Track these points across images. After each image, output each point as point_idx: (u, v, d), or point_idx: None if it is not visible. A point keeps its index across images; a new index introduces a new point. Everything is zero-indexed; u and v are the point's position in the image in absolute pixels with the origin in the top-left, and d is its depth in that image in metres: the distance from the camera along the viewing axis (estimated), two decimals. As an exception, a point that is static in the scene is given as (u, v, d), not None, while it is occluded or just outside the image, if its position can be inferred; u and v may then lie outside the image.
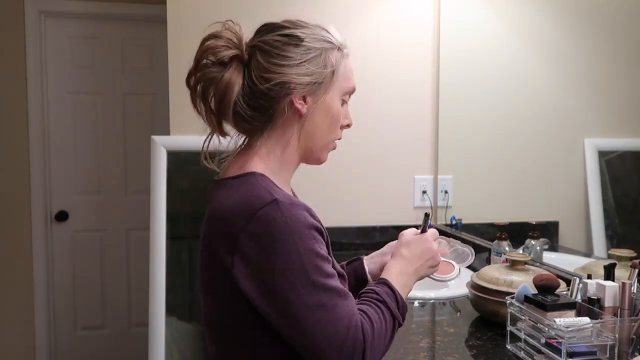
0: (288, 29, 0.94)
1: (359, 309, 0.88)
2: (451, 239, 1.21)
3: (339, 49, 0.97)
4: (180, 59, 2.19)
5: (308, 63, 0.92)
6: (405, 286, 0.97)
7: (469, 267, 2.02)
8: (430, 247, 1.02)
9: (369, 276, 1.10)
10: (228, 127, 0.98)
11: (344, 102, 1.00)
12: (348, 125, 1.02)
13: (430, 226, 1.07)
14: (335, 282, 0.86)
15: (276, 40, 0.92)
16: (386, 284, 0.95)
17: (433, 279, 1.08)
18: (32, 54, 2.94)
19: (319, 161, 1.01)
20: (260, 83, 0.91)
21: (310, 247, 0.84)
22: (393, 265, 1.00)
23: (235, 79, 0.91)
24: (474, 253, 1.16)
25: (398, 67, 2.31)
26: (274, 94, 0.91)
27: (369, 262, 1.12)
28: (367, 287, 0.95)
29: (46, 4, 2.96)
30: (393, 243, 1.10)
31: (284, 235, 0.82)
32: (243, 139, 1.00)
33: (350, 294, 0.88)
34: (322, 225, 0.90)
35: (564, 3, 1.70)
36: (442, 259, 1.10)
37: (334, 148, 1.02)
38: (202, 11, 2.18)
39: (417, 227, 1.07)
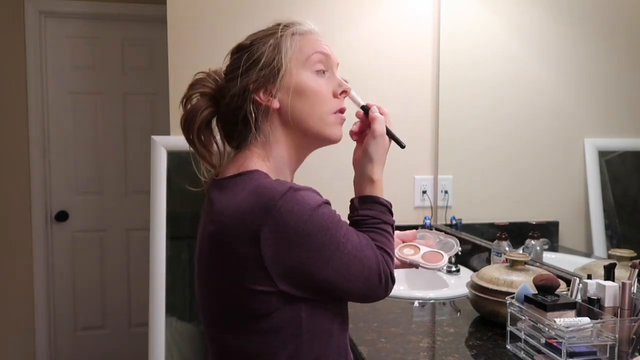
0: (239, 43, 0.99)
1: (373, 238, 0.93)
2: (434, 230, 1.20)
3: (285, 31, 0.96)
4: (181, 59, 2.20)
5: (256, 61, 0.94)
6: (381, 189, 1.00)
7: (468, 267, 2.02)
8: (382, 132, 1.01)
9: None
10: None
11: (323, 71, 0.97)
12: (344, 92, 0.99)
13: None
14: (352, 232, 0.90)
15: (232, 59, 0.99)
16: (376, 202, 0.97)
17: (424, 267, 1.07)
18: (32, 54, 2.94)
19: (327, 138, 0.98)
20: (228, 100, 0.96)
21: (329, 217, 0.87)
22: (371, 176, 1.00)
23: (201, 106, 0.98)
24: (458, 243, 1.16)
25: (398, 67, 2.31)
26: (239, 103, 0.94)
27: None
28: (364, 213, 0.96)
29: (46, 4, 2.97)
30: None
31: (310, 217, 0.84)
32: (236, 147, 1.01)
33: (366, 236, 0.92)
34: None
35: (563, 3, 1.70)
36: (430, 249, 1.12)
37: (342, 120, 0.99)
38: (202, 11, 2.18)
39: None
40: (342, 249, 0.87)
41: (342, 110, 0.99)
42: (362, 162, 1.00)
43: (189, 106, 1.00)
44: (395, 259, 0.98)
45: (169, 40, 2.16)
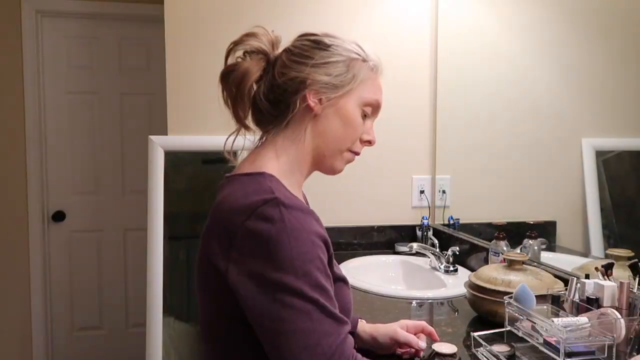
0: (318, 37, 0.99)
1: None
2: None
3: (366, 60, 0.99)
4: (178, 59, 2.20)
5: (328, 65, 0.95)
6: None
7: (466, 266, 2.02)
8: None
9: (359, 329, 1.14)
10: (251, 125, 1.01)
11: (365, 115, 1.00)
12: (369, 142, 1.03)
13: None
14: (328, 301, 0.83)
15: (303, 43, 0.98)
16: None
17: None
18: (29, 53, 2.94)
19: (332, 169, 1.01)
20: (279, 77, 0.96)
21: (306, 250, 0.82)
22: None
23: (252, 68, 0.96)
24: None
25: (396, 67, 2.31)
26: (288, 88, 0.95)
27: (368, 326, 1.16)
28: None
29: (43, 3, 2.96)
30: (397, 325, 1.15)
31: (280, 235, 0.81)
32: (260, 136, 1.02)
33: (348, 324, 0.85)
34: (328, 237, 0.89)
35: (560, 3, 1.70)
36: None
37: (350, 161, 1.02)
38: (199, 11, 2.17)
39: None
40: (293, 295, 0.79)
41: (357, 153, 1.02)
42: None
43: (232, 56, 0.98)
44: None
45: (166, 40, 2.16)
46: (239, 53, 0.98)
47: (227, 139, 1.00)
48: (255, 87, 0.99)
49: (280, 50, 1.01)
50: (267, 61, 0.99)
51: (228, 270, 0.84)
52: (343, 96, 0.96)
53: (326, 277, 0.85)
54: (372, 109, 1.01)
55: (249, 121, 1.01)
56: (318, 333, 0.80)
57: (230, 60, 0.98)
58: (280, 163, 0.96)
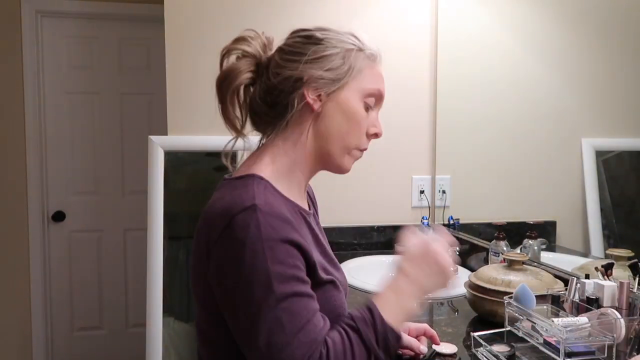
0: (310, 31, 0.95)
1: (328, 336, 0.82)
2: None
3: (362, 49, 0.95)
4: (178, 59, 2.20)
5: (323, 59, 0.92)
6: (402, 308, 0.88)
7: (466, 266, 2.02)
8: (437, 260, 0.91)
9: None
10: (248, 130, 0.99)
11: (368, 106, 0.96)
12: (376, 135, 0.98)
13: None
14: (304, 304, 0.81)
15: (295, 40, 0.95)
16: (369, 309, 0.85)
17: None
18: (29, 53, 2.94)
19: (339, 168, 0.97)
20: (274, 77, 0.93)
21: (279, 260, 0.80)
22: (389, 286, 0.90)
23: (243, 68, 0.94)
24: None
25: (395, 67, 2.31)
26: (285, 88, 0.92)
27: None
28: (350, 311, 0.87)
29: (43, 3, 2.96)
30: None
31: (255, 244, 0.79)
32: (260, 139, 1.00)
33: (325, 321, 0.83)
34: (305, 241, 0.85)
35: (560, 3, 1.70)
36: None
37: (358, 157, 0.99)
38: (199, 11, 2.17)
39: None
40: (266, 305, 0.78)
41: (364, 150, 0.99)
42: (400, 264, 0.93)
43: (226, 61, 0.96)
44: None
45: (166, 40, 2.16)
46: (233, 58, 0.96)
47: (226, 146, 0.97)
48: (251, 90, 0.97)
49: (273, 50, 0.98)
50: (257, 63, 0.96)
51: (207, 275, 0.84)
52: (342, 89, 0.93)
53: (299, 281, 0.82)
54: (374, 100, 0.97)
55: (248, 126, 0.98)
56: (293, 344, 0.77)
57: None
58: (277, 165, 0.94)
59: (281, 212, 0.84)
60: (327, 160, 0.97)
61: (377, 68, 0.98)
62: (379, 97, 0.98)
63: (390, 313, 0.86)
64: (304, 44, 0.93)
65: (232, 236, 0.81)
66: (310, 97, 0.92)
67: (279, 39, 1.00)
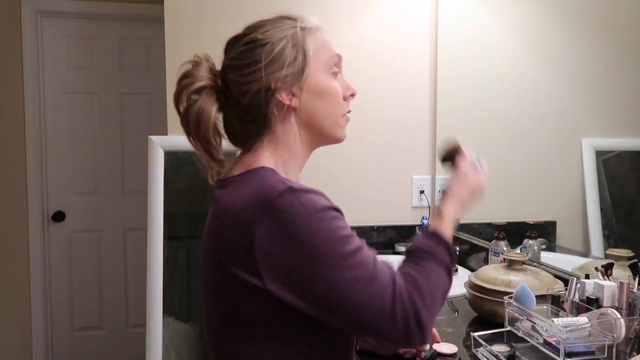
0: (248, 36, 0.93)
1: (405, 271, 0.85)
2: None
3: (302, 27, 0.94)
4: (178, 58, 2.19)
5: (279, 58, 0.90)
6: (453, 225, 0.97)
7: (466, 266, 2.02)
8: (480, 182, 1.06)
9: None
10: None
11: (336, 73, 0.97)
12: (352, 95, 1.00)
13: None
14: (367, 253, 0.83)
15: (240, 51, 0.93)
16: (434, 236, 0.91)
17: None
18: (29, 53, 2.94)
19: (336, 139, 0.99)
20: (243, 97, 0.91)
21: (334, 226, 0.82)
22: (442, 209, 0.98)
23: (205, 106, 0.91)
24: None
25: (395, 66, 2.31)
26: (259, 102, 0.91)
27: None
28: (416, 240, 0.92)
29: (43, 3, 2.96)
30: None
31: (306, 220, 0.80)
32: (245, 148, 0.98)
33: (387, 262, 0.86)
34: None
35: (560, 3, 1.70)
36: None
37: (348, 120, 1.00)
38: (199, 11, 2.17)
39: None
40: (341, 268, 0.79)
41: (349, 112, 1.00)
42: (445, 190, 1.02)
43: (184, 103, 0.93)
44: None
45: (166, 40, 2.16)
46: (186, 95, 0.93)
47: (209, 177, 0.95)
48: (220, 118, 0.95)
49: (219, 69, 0.96)
50: (216, 90, 0.94)
51: (262, 274, 0.81)
52: (309, 75, 0.92)
53: (354, 237, 0.84)
54: (337, 65, 0.97)
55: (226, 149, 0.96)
56: (378, 291, 0.80)
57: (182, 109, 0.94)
58: (277, 158, 0.94)
59: (309, 187, 0.85)
60: (322, 139, 0.98)
61: (324, 36, 0.97)
62: (339, 60, 0.98)
63: (446, 231, 0.94)
64: (251, 50, 0.91)
65: (279, 222, 0.80)
66: (286, 98, 0.92)
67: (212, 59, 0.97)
